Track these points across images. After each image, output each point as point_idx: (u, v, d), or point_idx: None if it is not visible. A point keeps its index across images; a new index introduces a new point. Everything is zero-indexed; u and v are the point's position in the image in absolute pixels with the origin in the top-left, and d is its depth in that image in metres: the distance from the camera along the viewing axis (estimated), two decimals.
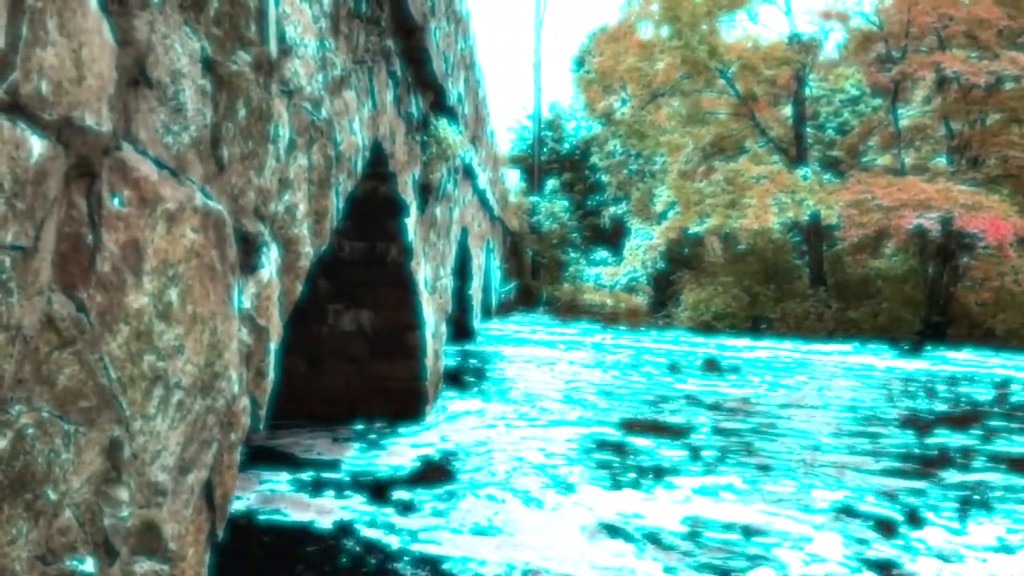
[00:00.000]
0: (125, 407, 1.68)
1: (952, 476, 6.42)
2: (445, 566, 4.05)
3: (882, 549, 4.61)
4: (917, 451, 7.27)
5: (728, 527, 4.86)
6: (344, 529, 4.55)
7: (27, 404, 1.36)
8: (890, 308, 18.42)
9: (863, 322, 18.20)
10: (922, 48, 19.33)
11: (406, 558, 4.17)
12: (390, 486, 5.40)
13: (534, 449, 6.63)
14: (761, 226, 18.55)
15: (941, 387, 11.18)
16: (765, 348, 15.35)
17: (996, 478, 6.35)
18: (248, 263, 2.40)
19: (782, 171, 19.59)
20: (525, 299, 26.17)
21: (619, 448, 6.82)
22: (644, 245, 24.62)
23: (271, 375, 2.68)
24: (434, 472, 5.83)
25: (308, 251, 3.03)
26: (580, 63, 32.18)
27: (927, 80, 19.41)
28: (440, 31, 6.11)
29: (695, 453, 6.72)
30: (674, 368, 12.11)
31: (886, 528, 4.98)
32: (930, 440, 7.74)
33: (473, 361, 12.03)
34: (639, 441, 7.07)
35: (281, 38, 2.60)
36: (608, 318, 22.06)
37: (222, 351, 2.19)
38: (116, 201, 1.62)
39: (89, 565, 1.56)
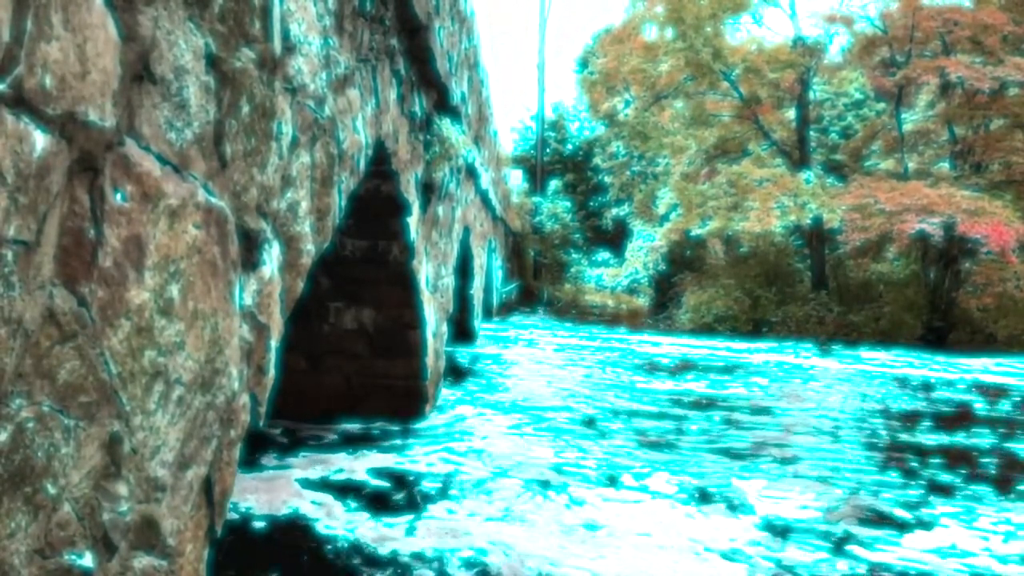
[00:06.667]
0: (125, 402, 1.68)
1: (719, 446, 7.01)
2: None
3: (581, 513, 4.95)
4: (733, 428, 7.89)
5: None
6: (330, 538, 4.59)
7: (27, 398, 1.37)
8: (892, 312, 18.38)
9: (864, 326, 18.16)
10: (926, 53, 19.28)
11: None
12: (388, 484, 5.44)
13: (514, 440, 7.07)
14: (763, 229, 18.52)
15: (824, 382, 11.57)
16: (706, 348, 15.60)
17: (756, 447, 7.00)
18: (250, 260, 2.40)
19: (785, 174, 19.55)
20: (526, 299, 26.16)
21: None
22: (646, 247, 24.62)
23: (272, 372, 2.68)
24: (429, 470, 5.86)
25: (310, 249, 3.04)
26: (584, 64, 32.16)
27: (931, 85, 19.37)
28: (444, 30, 6.11)
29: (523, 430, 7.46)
30: (653, 369, 12.41)
31: (611, 482, 5.56)
32: (747, 420, 8.40)
33: (474, 362, 12.03)
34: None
35: (285, 35, 2.60)
36: (609, 319, 22.03)
37: (223, 347, 2.19)
38: (118, 196, 1.62)
39: (88, 559, 1.57)
